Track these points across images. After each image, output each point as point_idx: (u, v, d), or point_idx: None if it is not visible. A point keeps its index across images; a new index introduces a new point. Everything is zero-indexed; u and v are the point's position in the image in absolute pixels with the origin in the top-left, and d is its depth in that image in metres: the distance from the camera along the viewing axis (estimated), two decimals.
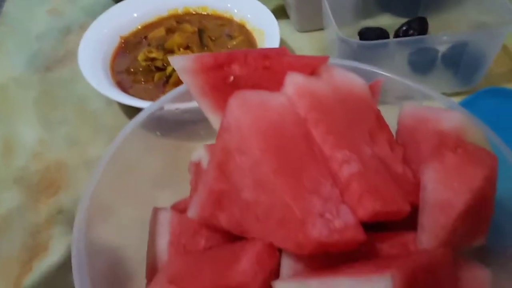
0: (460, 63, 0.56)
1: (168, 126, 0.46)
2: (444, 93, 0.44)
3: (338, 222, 0.28)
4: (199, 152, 0.38)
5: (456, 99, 0.55)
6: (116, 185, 0.39)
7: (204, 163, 0.38)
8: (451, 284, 0.30)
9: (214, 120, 0.37)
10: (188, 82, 0.36)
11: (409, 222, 0.32)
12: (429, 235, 0.31)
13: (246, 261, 0.29)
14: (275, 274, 0.29)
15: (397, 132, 0.37)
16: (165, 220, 0.38)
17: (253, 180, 0.30)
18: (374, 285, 0.23)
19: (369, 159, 0.32)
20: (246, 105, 0.30)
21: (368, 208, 0.28)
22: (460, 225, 0.31)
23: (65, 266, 0.45)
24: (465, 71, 0.57)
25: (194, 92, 0.36)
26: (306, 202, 0.28)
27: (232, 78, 0.36)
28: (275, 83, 0.34)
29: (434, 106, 0.36)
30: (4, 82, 0.64)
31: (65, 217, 0.49)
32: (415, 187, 0.32)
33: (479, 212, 0.31)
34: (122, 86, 0.56)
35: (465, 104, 0.55)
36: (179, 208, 0.40)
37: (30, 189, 0.51)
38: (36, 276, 0.44)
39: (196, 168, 0.39)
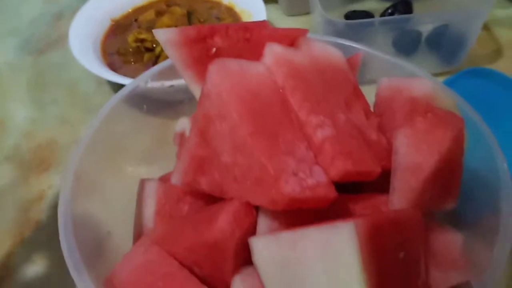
0: (443, 44, 0.57)
1: (156, 104, 0.47)
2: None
3: (311, 180, 0.29)
4: (183, 122, 0.40)
5: (439, 79, 0.57)
6: (102, 158, 0.40)
7: (188, 133, 0.39)
8: (420, 244, 0.31)
9: (198, 92, 0.38)
10: (172, 55, 0.37)
11: (382, 186, 0.33)
12: (399, 196, 0.32)
13: (224, 219, 0.31)
14: (252, 232, 0.31)
15: (375, 105, 0.39)
16: (152, 190, 0.39)
17: (232, 144, 0.31)
18: (338, 231, 0.25)
19: (343, 125, 0.33)
20: (225, 72, 0.32)
21: (340, 167, 0.30)
22: (429, 187, 0.32)
23: (56, 238, 0.46)
24: (447, 52, 0.58)
25: (178, 65, 0.37)
26: (280, 162, 0.29)
27: (214, 50, 0.37)
28: (256, 55, 0.36)
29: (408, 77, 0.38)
30: None
31: (55, 193, 0.50)
32: (388, 152, 0.34)
33: (448, 175, 0.33)
34: (113, 67, 0.57)
35: (447, 84, 0.56)
36: (165, 180, 0.41)
37: (21, 166, 0.53)
38: (27, 249, 0.46)
39: (181, 138, 0.40)
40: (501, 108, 0.54)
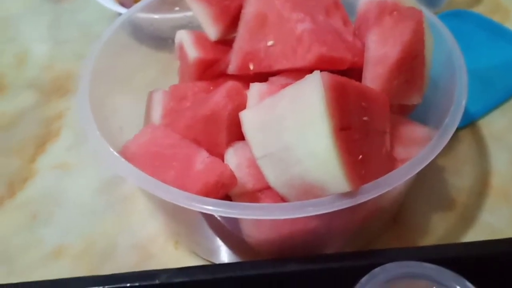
0: None
1: (159, 40, 0.53)
2: None
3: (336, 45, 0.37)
4: (181, 34, 0.45)
5: None
6: (111, 77, 0.46)
7: (186, 45, 0.44)
8: (385, 121, 0.36)
9: (197, 9, 0.43)
10: None
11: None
12: (370, 84, 0.37)
13: (218, 95, 0.36)
14: (242, 108, 0.36)
15: (355, 21, 0.44)
16: (159, 97, 0.45)
17: (276, 29, 0.38)
18: (307, 80, 0.30)
19: (321, 23, 0.38)
20: None
21: (315, 51, 0.35)
22: (395, 75, 0.37)
23: (74, 148, 0.52)
24: None
25: None
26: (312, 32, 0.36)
27: None
28: None
29: None
30: (19, 12, 0.72)
31: (74, 113, 0.56)
32: (362, 52, 0.39)
33: (411, 65, 0.38)
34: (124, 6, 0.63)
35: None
36: (172, 88, 0.46)
37: (42, 92, 0.59)
38: (48, 155, 0.52)
39: (181, 52, 0.46)
40: (478, 46, 0.59)
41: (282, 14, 0.38)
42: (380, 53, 0.38)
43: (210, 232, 0.38)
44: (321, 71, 0.32)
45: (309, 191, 0.32)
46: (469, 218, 0.43)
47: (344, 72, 0.37)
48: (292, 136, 0.31)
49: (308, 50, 0.36)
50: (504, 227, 0.42)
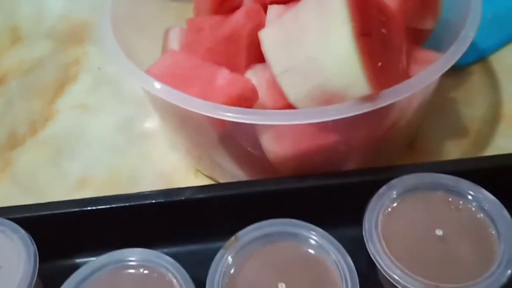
0: None
1: None
2: None
3: None
4: None
5: None
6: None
7: None
8: (401, 39, 0.37)
9: None
10: None
11: None
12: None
13: (238, 15, 0.37)
14: (262, 26, 0.37)
15: None
16: (175, 33, 0.46)
17: None
18: None
19: None
20: None
21: None
22: None
23: (91, 91, 0.54)
24: None
25: None
26: None
27: None
28: None
29: None
30: None
31: (91, 59, 0.57)
32: None
33: None
34: None
35: None
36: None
37: (59, 40, 0.60)
38: (68, 97, 0.53)
39: None
40: None
41: None
42: None
43: (229, 153, 0.39)
44: None
45: (329, 101, 0.33)
46: (482, 143, 0.44)
47: None
48: (314, 44, 0.32)
49: None
50: None
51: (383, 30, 0.34)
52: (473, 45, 0.51)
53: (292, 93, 0.35)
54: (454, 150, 0.44)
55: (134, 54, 0.45)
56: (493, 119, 0.46)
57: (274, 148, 0.36)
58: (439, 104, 0.47)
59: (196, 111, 0.33)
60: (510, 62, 0.51)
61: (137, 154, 0.47)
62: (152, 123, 0.49)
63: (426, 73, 0.34)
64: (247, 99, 0.34)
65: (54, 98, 0.53)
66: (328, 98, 0.33)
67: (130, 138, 0.48)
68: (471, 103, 0.47)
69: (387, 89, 0.32)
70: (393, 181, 0.35)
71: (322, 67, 0.32)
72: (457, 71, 0.50)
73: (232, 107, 0.32)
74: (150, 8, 0.52)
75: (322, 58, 0.32)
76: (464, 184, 0.34)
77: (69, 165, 0.46)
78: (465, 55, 0.50)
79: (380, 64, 0.33)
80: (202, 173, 0.44)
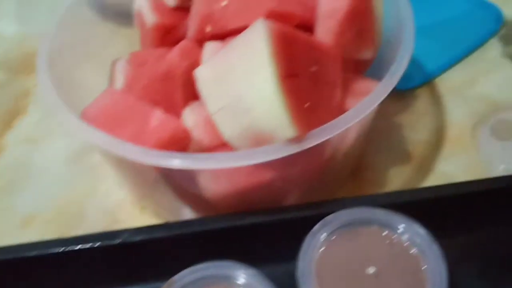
0: None
1: (128, 14, 0.53)
2: None
3: None
4: (139, 1, 0.45)
5: None
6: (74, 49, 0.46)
7: (144, 11, 0.44)
8: (336, 74, 0.37)
9: None
10: None
11: None
12: (321, 38, 0.38)
13: (172, 54, 0.37)
14: (198, 64, 0.37)
15: None
16: (121, 65, 0.46)
17: None
18: (253, 27, 0.31)
19: None
20: None
21: (266, 7, 0.36)
22: (346, 28, 0.38)
23: (42, 122, 0.53)
24: None
25: None
26: None
27: None
28: None
29: None
30: None
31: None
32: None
33: (362, 19, 0.39)
34: None
35: None
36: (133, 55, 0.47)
37: (10, 70, 0.59)
38: (17, 131, 0.52)
39: (139, 19, 0.46)
40: (440, 2, 0.60)
41: None
42: (330, 6, 0.38)
43: (169, 191, 0.39)
44: None
45: (260, 141, 0.33)
46: (425, 169, 0.44)
47: (298, 27, 0.38)
48: (241, 84, 0.32)
49: (259, 6, 0.37)
50: (460, 173, 0.44)
51: (314, 68, 0.34)
52: (419, 68, 0.52)
53: (226, 132, 0.35)
54: (397, 177, 0.44)
55: (80, 84, 0.45)
56: (437, 143, 0.46)
57: (212, 187, 0.36)
58: (384, 129, 0.47)
59: (126, 156, 0.33)
60: (456, 84, 0.51)
61: (84, 189, 0.46)
62: (99, 157, 0.49)
63: (358, 108, 0.34)
64: (179, 141, 0.34)
65: (3, 132, 0.52)
66: (260, 139, 0.33)
67: (77, 172, 0.48)
68: (416, 127, 0.48)
69: (316, 128, 0.33)
70: (328, 218, 0.35)
71: (250, 108, 0.32)
72: (403, 95, 0.50)
73: (159, 152, 0.32)
74: (100, 35, 0.52)
75: (249, 99, 0.32)
76: (397, 218, 0.34)
77: (14, 202, 0.46)
78: (410, 79, 0.51)
79: (308, 104, 0.33)
80: (147, 209, 0.44)
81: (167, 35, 0.45)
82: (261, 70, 0.30)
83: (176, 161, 0.32)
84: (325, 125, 0.33)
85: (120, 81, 0.44)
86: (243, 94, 0.32)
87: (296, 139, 0.32)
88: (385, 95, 0.36)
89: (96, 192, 0.46)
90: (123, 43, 0.53)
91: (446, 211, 0.37)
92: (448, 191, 0.37)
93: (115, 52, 0.52)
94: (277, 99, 0.30)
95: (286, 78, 0.31)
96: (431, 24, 0.57)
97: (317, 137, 0.32)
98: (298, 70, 0.32)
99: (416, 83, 0.51)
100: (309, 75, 0.34)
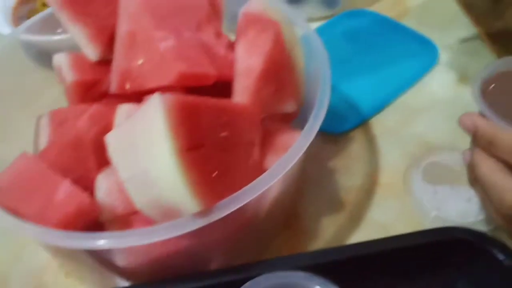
0: None
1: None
2: (313, 18, 0.56)
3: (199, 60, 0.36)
4: (58, 58, 0.44)
5: (323, 21, 0.63)
6: None
7: (63, 68, 0.43)
8: (253, 132, 0.36)
9: (73, 30, 0.43)
10: None
11: None
12: (238, 96, 0.38)
13: (81, 120, 0.36)
14: (111, 128, 0.36)
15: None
16: (45, 122, 0.44)
17: (143, 47, 0.38)
18: (151, 101, 0.30)
19: (187, 39, 0.38)
20: None
21: (176, 69, 0.35)
22: (263, 85, 0.38)
23: None
24: None
25: (54, 5, 0.42)
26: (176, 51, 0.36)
27: None
28: None
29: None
30: None
31: None
32: (233, 64, 0.39)
33: (279, 76, 0.38)
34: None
35: (328, 26, 0.63)
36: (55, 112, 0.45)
37: None
38: None
39: (61, 75, 0.45)
40: (376, 43, 0.61)
41: (148, 33, 0.37)
42: (246, 64, 0.38)
43: (89, 260, 0.37)
44: (185, 87, 0.32)
45: (169, 213, 0.32)
46: (357, 216, 0.44)
47: (215, 86, 0.38)
48: (144, 158, 0.31)
49: (170, 68, 0.36)
50: (392, 221, 0.43)
51: (224, 134, 0.34)
52: (354, 110, 0.52)
53: (137, 200, 0.33)
54: (330, 226, 0.43)
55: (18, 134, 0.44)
56: (369, 188, 0.46)
57: (128, 260, 0.35)
58: (318, 176, 0.47)
59: (29, 236, 0.31)
60: (390, 124, 0.51)
61: (9, 251, 0.44)
62: None
63: (274, 169, 0.33)
64: (85, 214, 0.33)
65: None
66: (167, 211, 0.32)
67: (2, 234, 0.46)
68: (350, 171, 0.47)
69: (229, 195, 0.32)
70: (246, 285, 0.34)
71: (154, 182, 0.31)
72: (338, 138, 0.50)
73: (60, 232, 0.31)
74: (34, 80, 0.51)
75: (153, 173, 0.31)
76: (315, 281, 0.34)
77: None
78: (345, 121, 0.51)
79: (216, 172, 0.32)
80: (71, 274, 0.42)
81: (90, 90, 0.44)
82: (159, 145, 0.29)
83: (70, 241, 0.30)
84: (235, 194, 0.32)
85: (43, 139, 0.43)
86: (147, 166, 0.31)
87: (202, 213, 0.31)
88: (304, 150, 0.35)
89: (22, 255, 0.44)
90: (59, 89, 0.51)
91: (368, 270, 0.36)
92: (370, 249, 0.36)
93: (51, 101, 0.51)
94: (176, 174, 0.29)
95: (188, 151, 0.30)
96: (368, 63, 0.57)
97: (225, 208, 0.31)
98: (204, 139, 0.31)
99: (351, 126, 0.51)
100: (218, 141, 0.33)
